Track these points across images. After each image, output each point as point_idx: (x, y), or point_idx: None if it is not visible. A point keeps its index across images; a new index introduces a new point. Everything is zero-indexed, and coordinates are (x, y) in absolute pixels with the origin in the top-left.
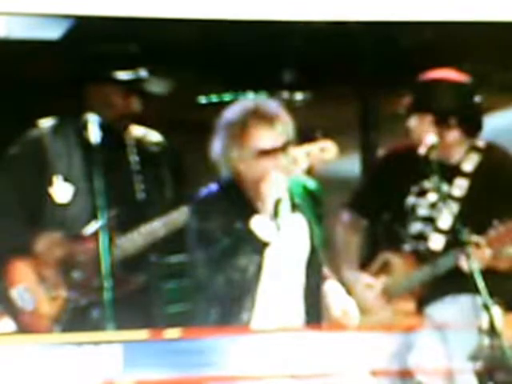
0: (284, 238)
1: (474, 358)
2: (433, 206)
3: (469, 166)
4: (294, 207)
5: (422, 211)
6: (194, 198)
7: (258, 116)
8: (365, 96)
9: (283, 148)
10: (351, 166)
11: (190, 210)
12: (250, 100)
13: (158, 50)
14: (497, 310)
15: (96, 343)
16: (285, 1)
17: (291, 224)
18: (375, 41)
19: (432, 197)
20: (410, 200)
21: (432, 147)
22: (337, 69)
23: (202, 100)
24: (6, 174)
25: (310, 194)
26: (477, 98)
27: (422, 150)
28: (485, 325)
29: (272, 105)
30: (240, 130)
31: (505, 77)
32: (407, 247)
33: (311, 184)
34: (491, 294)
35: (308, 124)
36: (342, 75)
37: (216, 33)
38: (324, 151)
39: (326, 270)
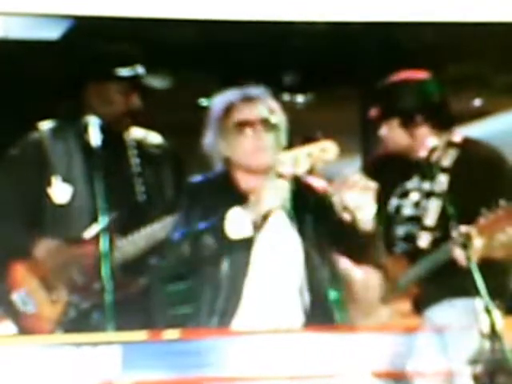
0: (272, 237)
1: (474, 361)
2: (416, 204)
3: (447, 161)
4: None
5: (407, 211)
6: (186, 184)
7: (242, 99)
8: (365, 97)
9: (265, 123)
10: (352, 167)
11: (180, 195)
12: (235, 90)
13: (158, 51)
14: (497, 313)
15: (95, 344)
16: (285, 1)
17: (279, 223)
18: (376, 42)
19: (414, 196)
20: (394, 202)
21: (433, 150)
22: (337, 70)
23: (203, 101)
24: (6, 176)
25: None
26: (440, 93)
27: (422, 153)
28: (485, 328)
29: (257, 91)
30: (224, 114)
31: (506, 79)
32: (397, 249)
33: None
34: (491, 295)
35: (309, 125)
36: (342, 76)
37: (216, 33)
38: (325, 152)
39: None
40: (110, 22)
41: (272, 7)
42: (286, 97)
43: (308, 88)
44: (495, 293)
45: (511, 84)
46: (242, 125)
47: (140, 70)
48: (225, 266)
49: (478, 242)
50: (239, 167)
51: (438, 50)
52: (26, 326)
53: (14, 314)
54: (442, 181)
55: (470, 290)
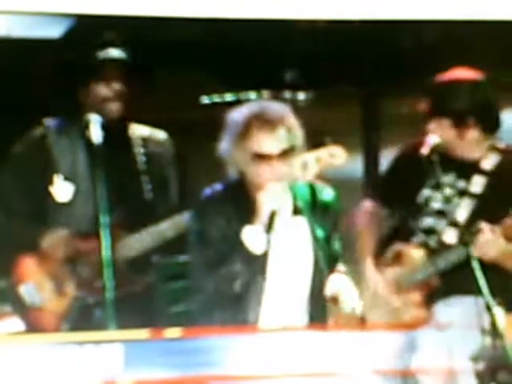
0: (284, 241)
1: (476, 358)
2: (447, 200)
3: (488, 164)
4: (296, 210)
5: (436, 205)
6: (196, 198)
7: (261, 119)
8: (367, 96)
9: (283, 155)
10: (353, 166)
11: (192, 211)
12: (257, 102)
13: (159, 50)
14: (499, 311)
15: (97, 342)
16: (287, 0)
17: (291, 226)
18: (376, 41)
19: (447, 191)
20: (425, 192)
21: (435, 147)
22: (339, 69)
23: (205, 100)
24: (10, 173)
25: (322, 203)
26: (492, 95)
27: (424, 150)
28: (487, 325)
29: (277, 107)
30: (243, 131)
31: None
32: (416, 239)
33: (327, 194)
34: (493, 294)
35: (310, 124)
36: (344, 75)
37: (218, 32)
38: (333, 157)
39: (337, 267)
40: (111, 20)
41: (273, 6)
42: (287, 95)
43: (309, 86)
44: (497, 290)
45: (511, 84)
46: (260, 157)
47: (121, 53)
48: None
49: (499, 241)
50: (253, 184)
51: (438, 49)
52: (32, 320)
53: (21, 307)
54: (479, 182)
55: (474, 289)
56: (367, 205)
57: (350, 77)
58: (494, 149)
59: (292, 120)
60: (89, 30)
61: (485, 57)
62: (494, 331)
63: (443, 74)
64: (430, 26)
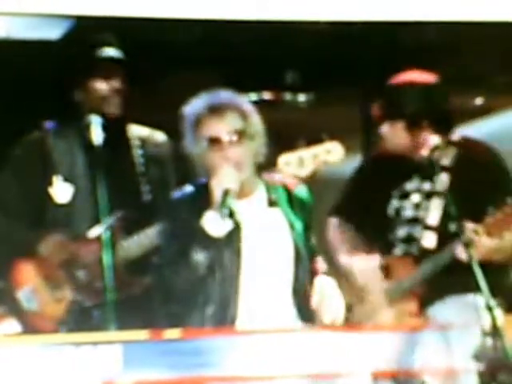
0: (260, 232)
1: (476, 358)
2: (417, 206)
3: (447, 160)
4: (271, 202)
5: (407, 213)
6: (167, 201)
7: (212, 106)
8: (366, 96)
9: (236, 140)
10: (353, 166)
11: (161, 214)
12: (209, 93)
13: (158, 50)
14: (499, 311)
15: (96, 343)
16: (287, 1)
17: (267, 218)
18: (377, 41)
19: (415, 197)
20: (394, 204)
21: (435, 148)
22: (339, 69)
23: None
24: (9, 175)
25: (297, 198)
26: (446, 97)
27: (424, 152)
28: (487, 325)
29: (229, 96)
30: (196, 120)
31: (505, 78)
32: (398, 251)
33: (301, 189)
34: (492, 293)
35: (310, 124)
36: (344, 76)
37: (218, 33)
38: (330, 153)
39: (318, 263)
40: (110, 21)
41: (274, 7)
42: (288, 96)
43: (309, 87)
44: (496, 290)
45: (511, 84)
46: (211, 142)
47: (119, 53)
48: (216, 266)
49: (486, 241)
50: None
51: (438, 49)
52: (29, 324)
53: (19, 312)
54: (443, 180)
55: (472, 288)
56: (334, 222)
57: (349, 78)
58: (450, 143)
59: (248, 108)
60: (88, 32)
61: (484, 58)
62: (494, 331)
63: (396, 76)
64: (430, 26)
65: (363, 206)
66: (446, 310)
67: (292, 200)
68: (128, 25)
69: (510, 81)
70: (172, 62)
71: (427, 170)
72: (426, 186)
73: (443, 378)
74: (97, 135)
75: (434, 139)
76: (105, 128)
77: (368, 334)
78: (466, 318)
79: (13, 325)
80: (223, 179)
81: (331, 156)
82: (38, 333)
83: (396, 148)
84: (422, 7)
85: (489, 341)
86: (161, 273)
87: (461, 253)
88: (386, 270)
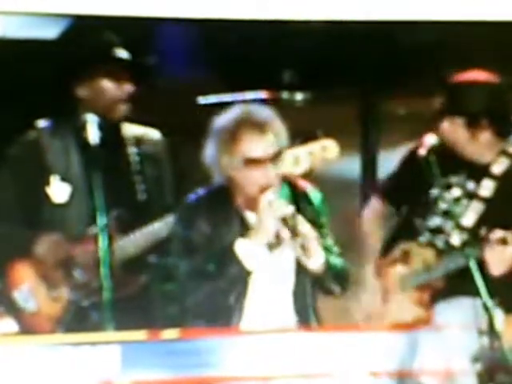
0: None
1: (474, 359)
2: (456, 200)
3: (498, 168)
4: None
5: (444, 205)
6: (180, 204)
7: (249, 123)
8: (365, 96)
9: (273, 158)
10: (351, 166)
11: (175, 217)
12: (242, 106)
13: (157, 50)
14: (497, 312)
15: (94, 344)
16: (285, 1)
17: None
18: (375, 41)
19: (456, 191)
20: (434, 192)
21: (432, 148)
22: (337, 69)
23: (202, 100)
24: (4, 175)
25: (309, 205)
26: (507, 98)
27: (422, 151)
28: (485, 326)
29: (264, 112)
30: (230, 136)
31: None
32: (423, 239)
33: (315, 196)
34: (491, 295)
35: (308, 124)
36: (342, 75)
37: (216, 32)
38: (326, 150)
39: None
40: (108, 21)
41: (271, 6)
42: (285, 95)
43: (307, 86)
44: (495, 292)
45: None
46: (251, 162)
47: (127, 54)
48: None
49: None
50: (240, 189)
51: (438, 49)
52: (26, 324)
53: (15, 311)
54: (489, 186)
55: (472, 290)
56: (374, 203)
57: (348, 77)
58: (504, 153)
59: (278, 123)
60: (85, 31)
61: (485, 58)
62: (492, 332)
63: (460, 74)
64: (430, 26)
65: (406, 191)
66: (447, 311)
67: (298, 198)
68: (126, 24)
69: (510, 81)
70: (169, 62)
71: (476, 170)
72: (471, 185)
73: (442, 379)
74: (93, 134)
75: (431, 139)
76: (100, 127)
77: (367, 334)
78: (468, 320)
79: (10, 324)
80: (271, 212)
81: (327, 153)
82: (35, 333)
83: (452, 143)
84: (422, 7)
85: (487, 342)
86: (182, 279)
87: (488, 257)
88: (405, 255)
